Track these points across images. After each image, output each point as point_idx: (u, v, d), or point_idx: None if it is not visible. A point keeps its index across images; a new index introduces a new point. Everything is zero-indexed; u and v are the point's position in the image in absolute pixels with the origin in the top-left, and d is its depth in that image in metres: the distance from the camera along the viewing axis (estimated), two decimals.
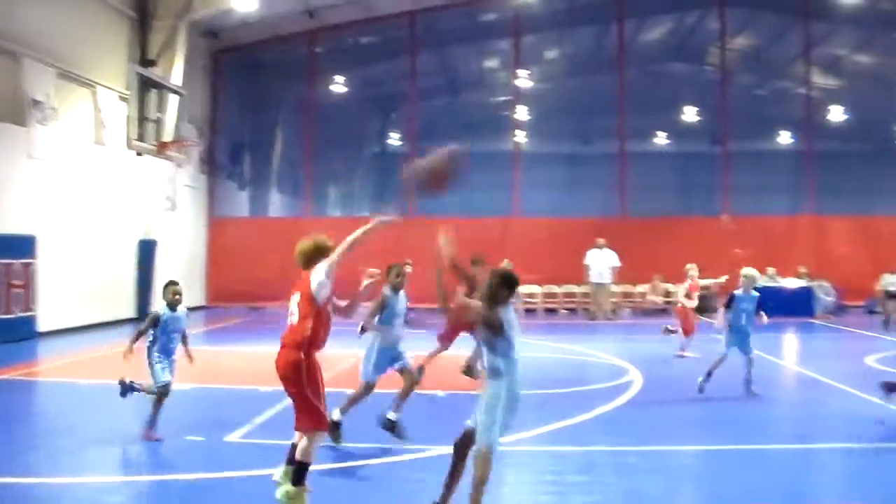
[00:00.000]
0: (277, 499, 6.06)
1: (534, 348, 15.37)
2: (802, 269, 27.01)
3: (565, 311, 27.49)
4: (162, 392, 8.84)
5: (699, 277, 16.88)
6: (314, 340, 6.10)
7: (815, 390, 12.67)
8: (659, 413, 10.73)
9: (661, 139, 34.27)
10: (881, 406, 10.29)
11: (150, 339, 9.03)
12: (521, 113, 31.07)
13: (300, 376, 6.00)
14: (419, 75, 30.62)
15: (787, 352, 19.47)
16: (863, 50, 32.70)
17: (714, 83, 30.80)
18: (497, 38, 31.69)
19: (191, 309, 26.42)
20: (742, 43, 31.78)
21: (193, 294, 27.65)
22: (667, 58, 33.98)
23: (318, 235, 6.46)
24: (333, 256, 6.15)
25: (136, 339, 8.97)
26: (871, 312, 26.68)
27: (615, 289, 26.45)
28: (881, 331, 21.21)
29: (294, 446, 6.22)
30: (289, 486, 6.04)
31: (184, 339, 9.21)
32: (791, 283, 26.73)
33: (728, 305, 12.12)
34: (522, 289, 22.11)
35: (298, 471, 6.02)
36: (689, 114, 32.62)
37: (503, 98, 32.08)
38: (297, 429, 6.17)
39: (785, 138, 32.40)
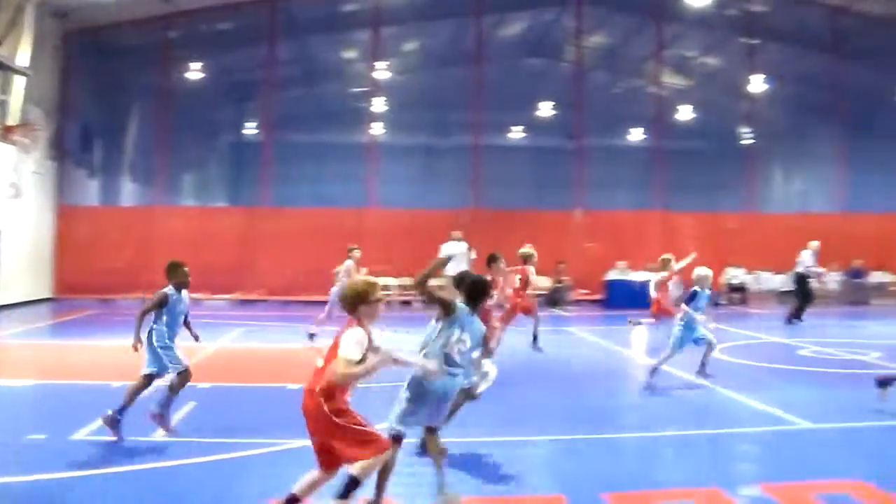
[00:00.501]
0: None
1: (388, 340, 15.14)
2: (652, 264, 27.77)
3: (420, 303, 27.49)
4: (185, 376, 8.63)
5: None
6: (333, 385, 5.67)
7: (659, 378, 12.90)
8: (513, 403, 10.73)
9: (517, 133, 34.71)
10: (714, 391, 10.65)
11: (154, 322, 8.69)
12: (379, 104, 30.94)
13: (327, 418, 5.61)
14: (277, 64, 30.15)
15: (635, 343, 19.90)
16: (711, 53, 33.92)
17: (570, 79, 31.40)
18: (356, 28, 31.40)
19: (36, 301, 25.56)
20: (598, 41, 32.48)
21: (39, 285, 26.50)
22: (524, 53, 34.40)
23: (367, 281, 6.07)
24: (352, 369, 5.58)
25: (142, 323, 8.60)
26: (716, 305, 27.66)
27: None
28: (725, 322, 21.93)
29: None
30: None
31: (187, 322, 8.98)
32: (641, 276, 27.42)
33: (689, 301, 12.12)
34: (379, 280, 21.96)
35: (349, 485, 5.64)
36: (546, 109, 33.13)
37: (361, 89, 31.84)
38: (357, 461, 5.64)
39: (637, 135, 33.31)
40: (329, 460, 5.67)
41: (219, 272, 25.98)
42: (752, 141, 32.99)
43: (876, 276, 30.31)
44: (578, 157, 30.62)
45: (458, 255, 24.78)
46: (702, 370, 12.16)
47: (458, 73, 31.41)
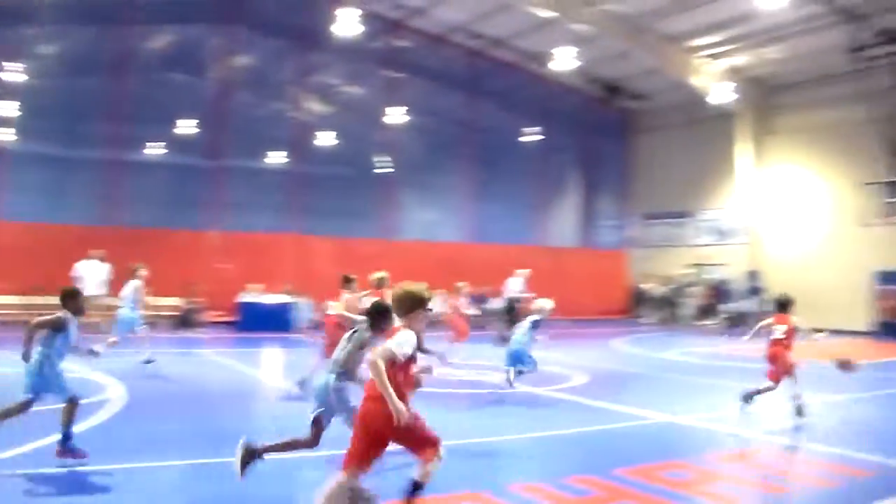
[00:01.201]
0: None
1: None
2: (286, 286, 27.99)
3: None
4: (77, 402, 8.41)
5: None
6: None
7: (292, 402, 13.02)
8: (143, 429, 10.37)
9: (157, 149, 33.62)
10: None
11: (48, 346, 8.46)
12: (9, 109, 28.68)
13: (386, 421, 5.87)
14: None
15: (265, 365, 19.97)
16: (354, 82, 34.94)
17: (214, 98, 31.03)
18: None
19: None
20: (244, 62, 32.33)
21: None
22: (168, 68, 33.43)
23: (426, 288, 6.33)
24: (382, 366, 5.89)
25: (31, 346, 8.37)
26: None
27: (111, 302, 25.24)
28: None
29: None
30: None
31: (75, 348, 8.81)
32: (273, 298, 27.55)
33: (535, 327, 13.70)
34: None
35: (414, 489, 6.06)
36: (187, 126, 32.41)
37: None
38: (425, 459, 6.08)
39: (278, 158, 33.41)
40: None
41: None
42: (389, 170, 34.24)
43: (497, 303, 32.48)
44: (218, 177, 30.29)
45: (93, 275, 23.49)
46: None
47: (99, 83, 29.73)
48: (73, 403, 8.38)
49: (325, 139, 33.23)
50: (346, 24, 28.57)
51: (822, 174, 33.18)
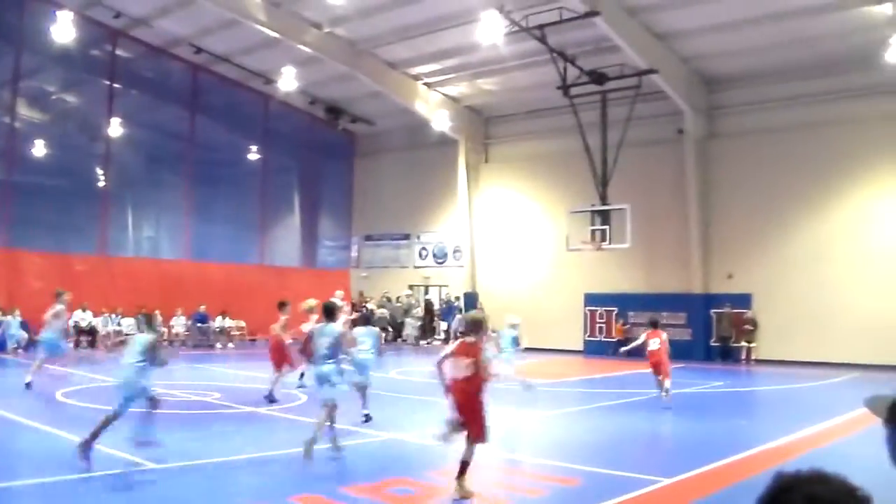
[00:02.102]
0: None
1: None
2: None
3: None
4: None
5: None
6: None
7: (2, 427, 12.43)
8: None
9: None
10: (72, 440, 10.63)
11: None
12: None
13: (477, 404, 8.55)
14: None
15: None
16: (71, 90, 33.47)
17: None
18: None
19: None
20: None
21: None
22: None
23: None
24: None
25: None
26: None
27: None
28: (72, 365, 21.60)
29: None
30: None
31: None
32: None
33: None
34: None
35: (464, 467, 8.43)
36: None
37: None
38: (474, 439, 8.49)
39: None
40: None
41: None
42: (106, 183, 32.92)
43: (218, 321, 32.15)
44: None
45: None
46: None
47: None
48: None
49: (40, 148, 31.47)
50: (64, 29, 27.39)
51: (537, 200, 35.37)
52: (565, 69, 28.72)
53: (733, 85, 30.84)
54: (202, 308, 31.90)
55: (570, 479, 9.58)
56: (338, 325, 11.72)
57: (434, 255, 39.11)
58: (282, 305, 17.11)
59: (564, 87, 28.94)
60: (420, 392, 18.23)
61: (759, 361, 29.37)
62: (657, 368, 16.71)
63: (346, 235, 42.18)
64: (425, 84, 34.91)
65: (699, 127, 30.86)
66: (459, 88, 35.37)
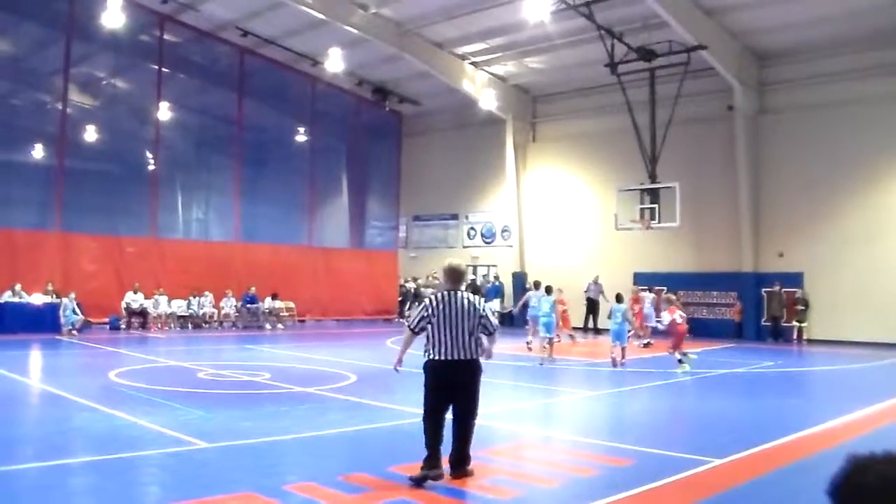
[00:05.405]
0: None
1: None
2: (50, 286, 26.82)
3: None
4: None
5: None
6: None
7: (58, 407, 12.62)
8: None
9: None
10: (124, 419, 10.76)
11: None
12: None
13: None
14: None
15: (32, 369, 19.11)
16: (120, 75, 33.81)
17: None
18: None
19: None
20: (2, 48, 30.63)
21: None
22: None
23: None
24: None
25: None
26: (115, 328, 27.60)
27: None
28: (124, 346, 21.92)
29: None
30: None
31: None
32: (37, 298, 26.34)
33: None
34: None
35: None
36: None
37: None
38: None
39: (38, 152, 31.79)
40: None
41: None
42: (156, 167, 33.27)
43: (268, 303, 32.36)
44: None
45: None
46: None
47: None
48: None
49: (91, 133, 31.88)
50: (113, 15, 27.61)
51: (584, 180, 35.14)
52: (613, 46, 28.43)
53: (783, 60, 30.29)
54: (252, 290, 32.11)
55: (623, 459, 9.51)
56: None
57: (482, 235, 39.07)
58: None
59: (612, 65, 28.66)
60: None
61: (811, 341, 28.99)
62: (680, 340, 18.89)
63: (393, 216, 42.20)
64: (472, 63, 34.76)
65: (749, 103, 30.37)
66: (506, 67, 35.17)
